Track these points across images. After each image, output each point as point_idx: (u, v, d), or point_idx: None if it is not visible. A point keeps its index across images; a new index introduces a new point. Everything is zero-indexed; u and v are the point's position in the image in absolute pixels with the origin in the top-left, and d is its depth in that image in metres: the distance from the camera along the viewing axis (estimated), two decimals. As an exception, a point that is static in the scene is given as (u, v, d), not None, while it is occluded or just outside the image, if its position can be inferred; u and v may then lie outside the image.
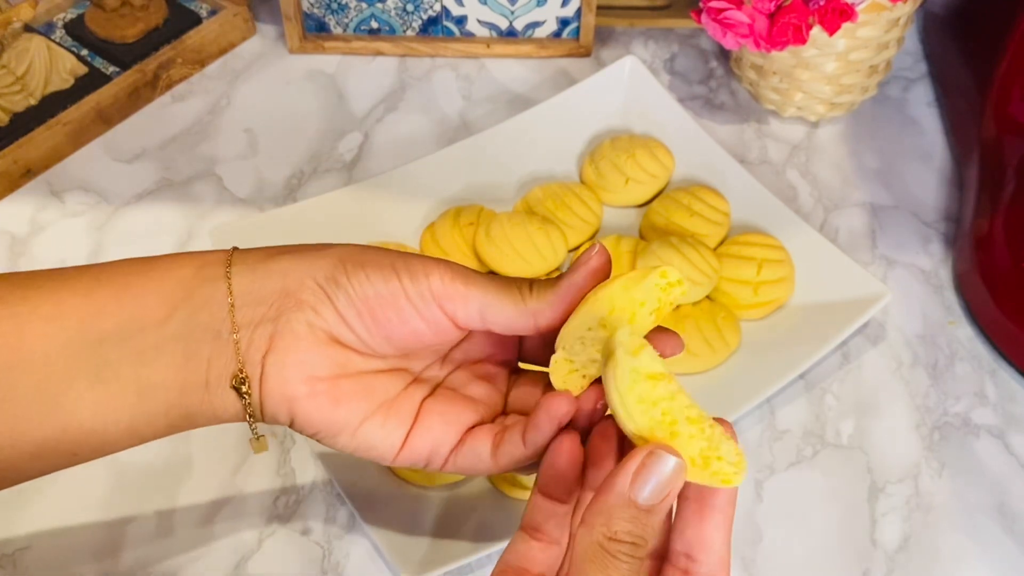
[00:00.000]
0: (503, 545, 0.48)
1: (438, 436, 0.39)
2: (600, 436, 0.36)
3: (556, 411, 0.36)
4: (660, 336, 0.38)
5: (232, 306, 0.36)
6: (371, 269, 0.36)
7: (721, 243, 0.61)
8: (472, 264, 0.60)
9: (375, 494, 0.50)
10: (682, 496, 0.34)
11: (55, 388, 0.35)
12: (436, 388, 0.41)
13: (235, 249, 0.38)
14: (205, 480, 0.52)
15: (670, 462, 0.31)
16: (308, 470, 0.53)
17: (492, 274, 0.38)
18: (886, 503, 0.52)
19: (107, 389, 0.36)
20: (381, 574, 0.49)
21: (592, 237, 0.63)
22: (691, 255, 0.58)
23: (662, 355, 0.34)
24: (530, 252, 0.58)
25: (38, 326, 0.35)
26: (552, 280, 0.37)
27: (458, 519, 0.50)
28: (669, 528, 0.35)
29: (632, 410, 0.32)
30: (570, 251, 0.61)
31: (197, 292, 0.36)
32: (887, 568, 0.50)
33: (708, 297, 0.58)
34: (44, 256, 0.63)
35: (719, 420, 0.33)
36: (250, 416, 0.37)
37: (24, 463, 0.36)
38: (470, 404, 0.40)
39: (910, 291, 0.62)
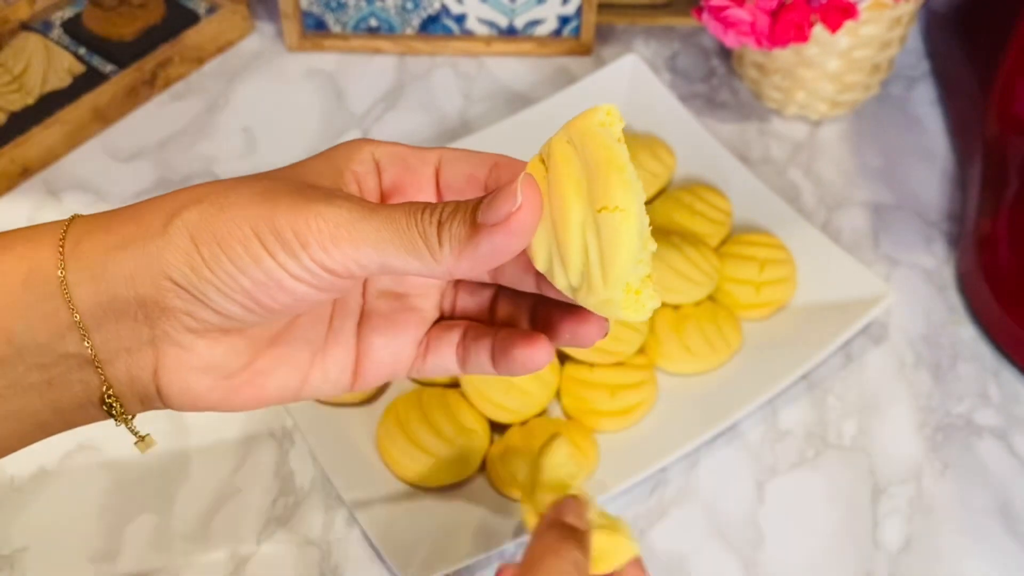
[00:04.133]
0: (503, 547, 0.48)
1: (390, 363, 0.34)
2: None
3: (533, 362, 0.32)
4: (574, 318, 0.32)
5: (82, 326, 0.30)
6: (233, 251, 0.29)
7: (723, 243, 0.61)
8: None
9: (374, 495, 0.50)
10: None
11: None
12: (363, 300, 0.34)
13: (66, 235, 0.30)
14: (204, 481, 0.52)
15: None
16: (307, 471, 0.52)
17: (385, 211, 0.29)
18: (888, 504, 0.52)
19: None
20: (381, 575, 0.49)
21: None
22: (692, 255, 0.57)
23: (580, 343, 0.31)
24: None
25: None
26: (466, 226, 0.28)
27: (458, 520, 0.50)
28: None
29: None
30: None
31: (34, 311, 0.29)
32: (889, 569, 0.50)
33: (710, 297, 0.58)
34: (42, 255, 0.62)
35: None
36: (130, 426, 0.32)
37: None
38: (411, 311, 0.34)
39: (913, 291, 0.61)
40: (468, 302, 0.35)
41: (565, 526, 0.39)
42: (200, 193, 0.30)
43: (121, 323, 0.30)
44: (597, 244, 0.27)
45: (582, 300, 0.28)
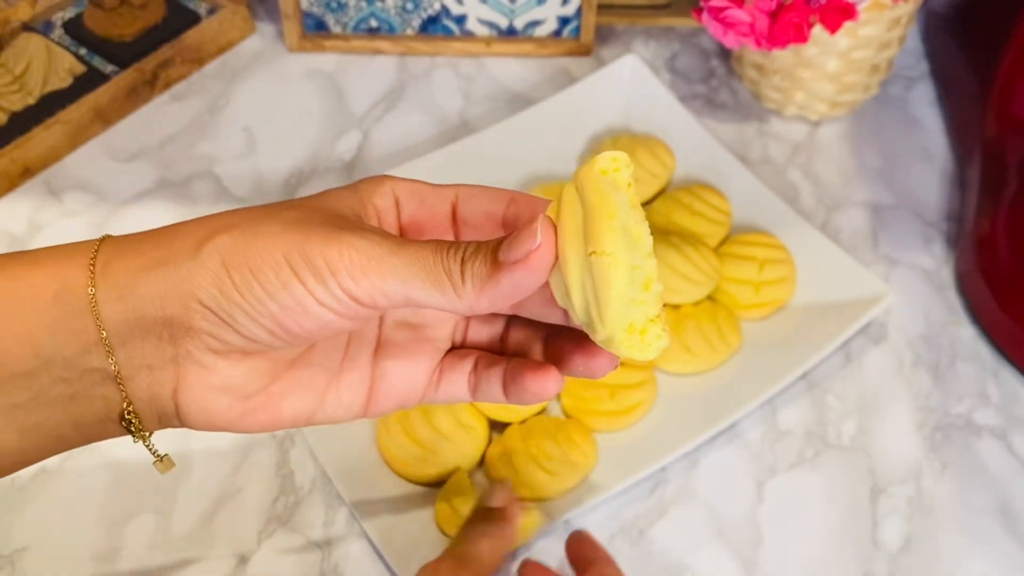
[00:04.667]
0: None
1: (403, 390, 0.35)
2: None
3: (545, 392, 0.33)
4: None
5: (108, 343, 0.31)
6: (264, 276, 0.30)
7: (722, 243, 0.61)
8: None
9: (375, 494, 0.50)
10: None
11: None
12: (379, 330, 0.35)
13: (96, 255, 0.31)
14: (204, 480, 0.52)
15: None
16: (307, 470, 0.53)
17: (412, 246, 0.30)
18: (888, 504, 0.52)
19: None
20: (381, 575, 0.49)
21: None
22: (692, 255, 0.57)
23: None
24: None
25: None
26: (489, 263, 0.29)
27: (458, 520, 0.50)
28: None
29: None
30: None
31: (62, 326, 0.31)
32: (889, 569, 0.50)
33: (709, 297, 0.58)
34: (42, 256, 0.62)
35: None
36: (148, 444, 0.33)
37: None
38: (425, 342, 0.35)
39: (912, 291, 0.61)
40: (480, 332, 0.36)
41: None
42: (232, 220, 0.31)
43: (146, 341, 0.31)
44: (591, 286, 0.28)
45: (592, 336, 0.29)
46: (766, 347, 0.56)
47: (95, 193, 0.66)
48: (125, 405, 0.31)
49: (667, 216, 0.61)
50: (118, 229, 0.64)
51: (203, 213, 0.70)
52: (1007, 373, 0.58)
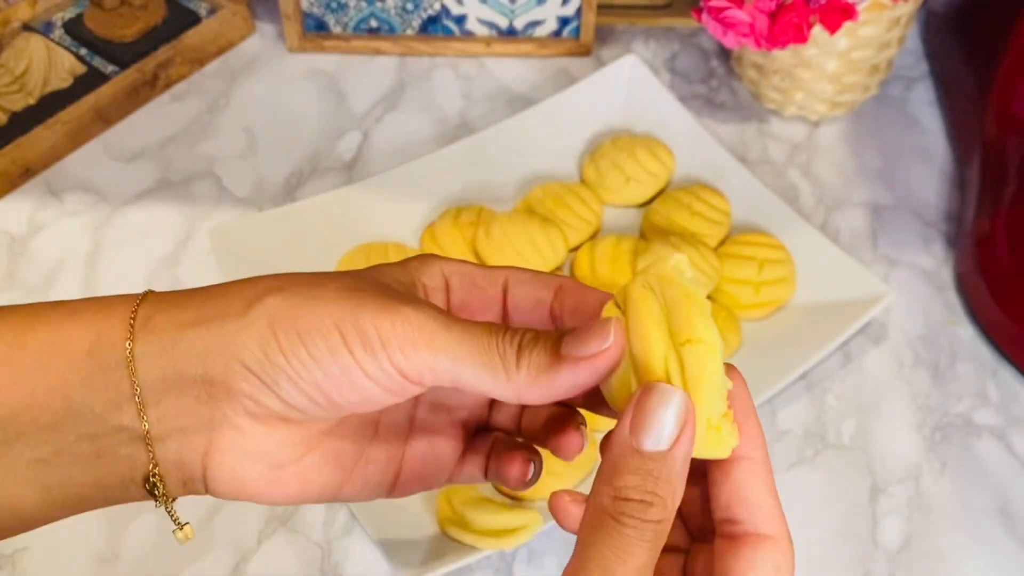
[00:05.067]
0: (503, 545, 0.48)
1: (431, 473, 0.35)
2: None
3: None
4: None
5: (140, 401, 0.30)
6: (312, 342, 0.29)
7: (722, 243, 0.61)
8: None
9: (375, 495, 0.50)
10: (698, 466, 0.29)
11: None
12: (413, 411, 0.35)
13: (138, 307, 0.31)
14: (204, 481, 0.52)
15: (672, 396, 0.27)
16: (308, 471, 0.53)
17: (467, 326, 0.30)
18: (887, 504, 0.52)
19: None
20: (381, 574, 0.49)
21: (592, 236, 0.62)
22: (692, 255, 0.57)
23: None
24: (530, 252, 0.58)
25: None
26: (548, 354, 0.29)
27: (458, 520, 0.50)
28: (708, 508, 0.30)
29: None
30: (570, 250, 0.61)
31: (95, 380, 0.30)
32: (889, 569, 0.50)
33: (709, 297, 0.58)
34: (43, 256, 0.63)
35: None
36: (170, 510, 0.33)
37: None
38: (457, 427, 0.35)
39: (911, 291, 0.61)
40: (502, 415, 0.36)
41: None
42: (283, 282, 0.30)
43: (181, 400, 0.30)
44: (680, 374, 0.27)
45: None
46: (766, 347, 0.56)
47: (95, 193, 0.66)
48: (151, 467, 0.30)
49: (667, 216, 0.61)
50: (119, 229, 0.64)
51: (204, 213, 0.70)
52: (1006, 373, 0.58)
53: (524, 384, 0.28)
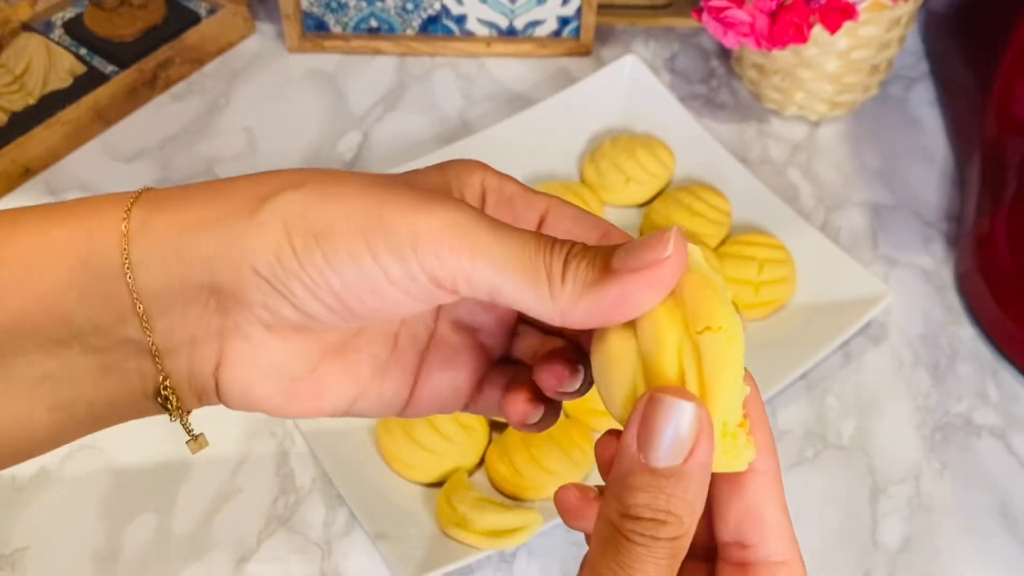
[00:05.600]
0: (503, 545, 0.48)
1: (446, 395, 0.32)
2: None
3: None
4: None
5: (144, 313, 0.27)
6: (330, 246, 0.26)
7: (722, 243, 0.61)
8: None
9: (375, 494, 0.50)
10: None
11: None
12: (434, 325, 0.32)
13: (132, 208, 0.27)
14: (204, 480, 0.52)
15: (683, 409, 0.24)
16: (307, 470, 0.53)
17: (512, 231, 0.26)
18: (887, 504, 0.52)
19: (3, 407, 0.28)
20: (381, 575, 0.49)
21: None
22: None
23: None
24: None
25: None
26: (599, 267, 0.25)
27: (458, 520, 0.50)
28: (710, 524, 0.28)
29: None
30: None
31: (92, 293, 0.27)
32: (888, 569, 0.50)
33: (709, 297, 0.58)
34: (43, 256, 0.62)
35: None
36: (185, 423, 0.30)
37: None
38: (478, 348, 0.32)
39: (911, 291, 0.61)
40: (525, 346, 0.32)
41: None
42: (301, 177, 0.27)
43: (189, 311, 0.27)
44: (696, 367, 0.24)
45: None
46: (766, 347, 0.56)
47: (95, 193, 0.66)
48: (162, 380, 0.28)
49: (667, 216, 0.61)
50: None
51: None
52: (1006, 373, 0.58)
53: (568, 300, 0.25)
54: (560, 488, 0.28)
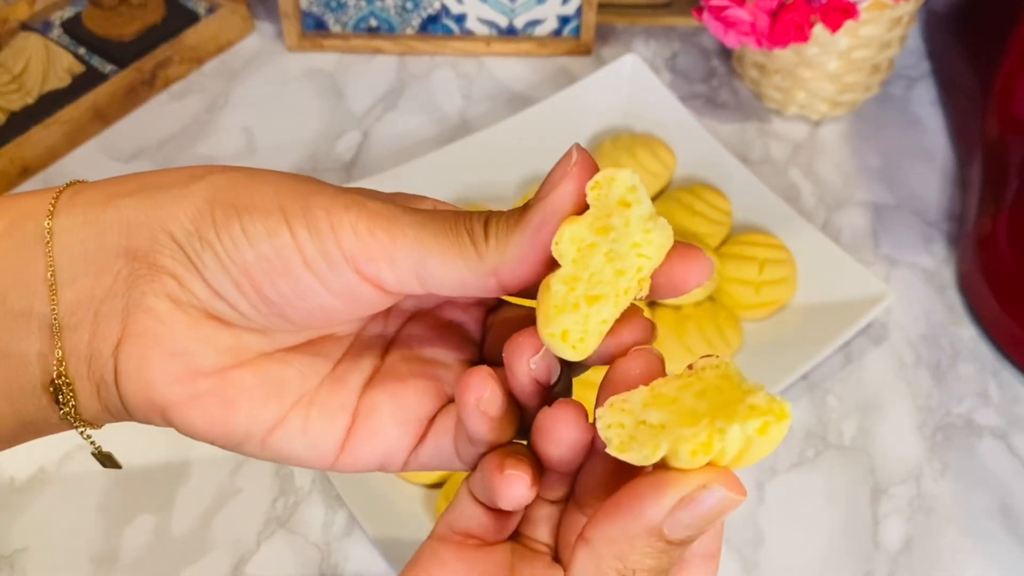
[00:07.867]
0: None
1: (391, 438, 0.29)
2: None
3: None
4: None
5: (52, 280, 0.26)
6: (249, 218, 0.25)
7: (723, 243, 0.61)
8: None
9: (374, 495, 0.50)
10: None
11: None
12: (381, 360, 0.30)
13: (69, 186, 0.27)
14: (204, 481, 0.52)
15: (722, 497, 0.24)
16: (307, 471, 0.52)
17: (431, 213, 0.26)
18: (889, 504, 0.52)
19: None
20: (380, 575, 0.49)
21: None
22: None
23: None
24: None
25: None
26: (516, 213, 0.26)
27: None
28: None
29: None
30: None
31: (7, 260, 0.26)
32: (889, 569, 0.50)
33: (710, 297, 0.58)
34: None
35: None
36: (81, 427, 0.28)
37: None
38: (431, 380, 0.29)
39: (913, 291, 0.61)
40: None
41: None
42: (236, 167, 0.27)
43: (99, 280, 0.26)
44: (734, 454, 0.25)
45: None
46: (766, 347, 0.56)
47: (94, 193, 0.66)
48: (57, 363, 0.26)
49: (667, 216, 0.61)
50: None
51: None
52: (1008, 373, 0.58)
53: (496, 252, 0.25)
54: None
